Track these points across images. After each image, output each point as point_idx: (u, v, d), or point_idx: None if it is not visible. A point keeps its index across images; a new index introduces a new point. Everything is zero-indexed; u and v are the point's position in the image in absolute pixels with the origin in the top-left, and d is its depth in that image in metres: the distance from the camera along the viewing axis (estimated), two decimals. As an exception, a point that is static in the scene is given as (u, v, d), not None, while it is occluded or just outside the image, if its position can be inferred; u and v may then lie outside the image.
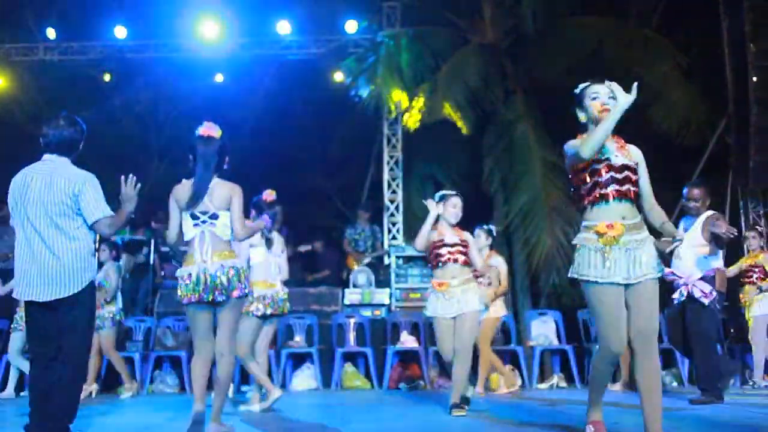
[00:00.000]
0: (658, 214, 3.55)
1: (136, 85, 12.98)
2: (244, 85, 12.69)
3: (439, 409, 5.41)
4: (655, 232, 3.54)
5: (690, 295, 5.59)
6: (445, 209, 5.35)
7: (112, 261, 7.42)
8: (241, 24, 11.25)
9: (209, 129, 4.24)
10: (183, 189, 4.20)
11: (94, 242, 7.55)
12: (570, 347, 8.12)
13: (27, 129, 12.89)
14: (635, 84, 3.35)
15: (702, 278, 5.62)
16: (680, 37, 10.64)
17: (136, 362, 7.94)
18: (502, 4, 10.81)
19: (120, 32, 11.27)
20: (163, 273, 10.45)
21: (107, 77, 12.34)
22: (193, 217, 4.11)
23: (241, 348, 5.22)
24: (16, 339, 7.05)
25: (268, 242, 5.60)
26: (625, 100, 3.33)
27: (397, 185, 11.03)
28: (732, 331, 8.34)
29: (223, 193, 4.14)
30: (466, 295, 5.19)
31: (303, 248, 10.57)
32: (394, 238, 10.79)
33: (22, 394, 7.32)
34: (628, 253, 3.33)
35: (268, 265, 5.55)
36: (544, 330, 8.37)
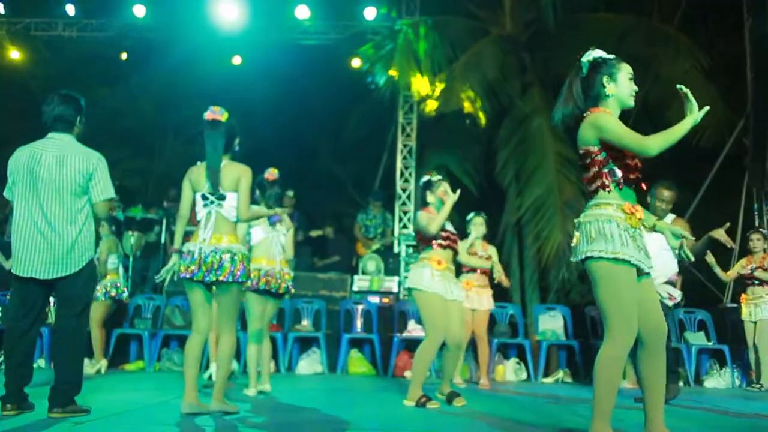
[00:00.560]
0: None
1: (154, 64, 13.00)
2: (261, 68, 12.68)
3: (443, 398, 5.41)
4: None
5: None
6: (436, 196, 5.24)
7: (111, 235, 7.47)
8: (260, 7, 11.23)
9: (214, 113, 4.31)
10: (198, 171, 4.29)
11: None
12: (577, 343, 8.12)
13: (41, 103, 12.99)
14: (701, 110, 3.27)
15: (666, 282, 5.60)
16: (702, 36, 10.55)
17: (144, 340, 8.00)
18: (523, -4, 10.74)
19: (139, 11, 11.29)
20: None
21: (124, 55, 12.37)
22: (204, 198, 4.21)
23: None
24: None
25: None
26: (696, 116, 3.29)
27: (410, 174, 11.01)
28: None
29: (232, 174, 4.22)
30: (456, 287, 5.19)
31: (314, 233, 10.60)
32: (404, 226, 10.79)
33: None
34: (643, 242, 3.19)
35: (269, 244, 5.54)
36: (551, 325, 8.36)
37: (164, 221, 10.22)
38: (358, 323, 8.47)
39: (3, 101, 12.45)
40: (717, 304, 9.18)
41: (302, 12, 11.17)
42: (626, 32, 10.07)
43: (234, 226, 4.25)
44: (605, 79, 3.32)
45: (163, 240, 10.18)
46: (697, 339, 8.10)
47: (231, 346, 4.22)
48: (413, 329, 8.21)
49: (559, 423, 4.19)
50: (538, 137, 9.97)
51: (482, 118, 10.37)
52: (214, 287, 4.23)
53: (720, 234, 5.49)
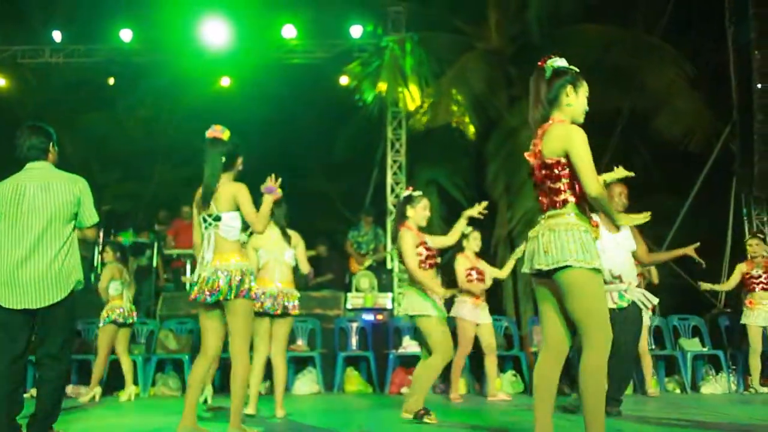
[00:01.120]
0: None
1: (141, 88, 13.02)
2: (249, 89, 12.71)
3: (440, 414, 5.39)
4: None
5: (632, 304, 5.35)
6: (417, 212, 5.27)
7: (116, 262, 7.42)
8: (246, 28, 11.28)
9: (215, 131, 4.24)
10: (198, 193, 4.23)
11: (96, 244, 7.55)
12: (573, 353, 8.09)
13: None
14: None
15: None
16: (686, 45, 10.67)
17: (138, 365, 7.93)
18: (508, 11, 10.85)
19: (126, 35, 11.31)
20: (165, 276, 10.45)
21: (111, 81, 12.38)
22: (203, 220, 4.15)
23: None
24: None
25: (286, 236, 5.57)
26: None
27: (401, 189, 11.02)
28: (735, 337, 8.33)
29: (226, 193, 4.12)
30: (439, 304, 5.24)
31: (308, 253, 10.55)
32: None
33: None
34: None
35: (272, 268, 5.52)
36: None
37: (155, 245, 10.17)
38: (353, 341, 8.44)
39: (-9, 130, 12.43)
40: (710, 309, 9.20)
41: (288, 32, 11.22)
42: (611, 43, 10.19)
43: (235, 244, 4.14)
44: (569, 87, 3.29)
45: (154, 264, 10.13)
46: (692, 345, 8.11)
47: (244, 369, 4.08)
48: (408, 345, 8.19)
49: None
50: (527, 150, 10.00)
51: (471, 131, 10.41)
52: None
53: (691, 251, 5.74)
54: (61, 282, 3.89)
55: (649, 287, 7.21)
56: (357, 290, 9.31)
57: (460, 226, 5.65)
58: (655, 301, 5.42)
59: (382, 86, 10.51)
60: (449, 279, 6.95)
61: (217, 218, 4.09)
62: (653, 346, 7.97)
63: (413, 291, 5.20)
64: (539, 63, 3.36)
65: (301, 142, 13.82)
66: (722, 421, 5.06)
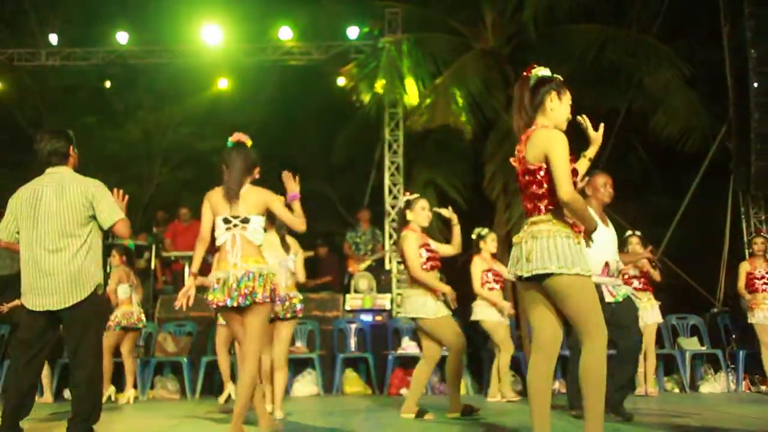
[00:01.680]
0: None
1: (139, 91, 13.02)
2: (246, 91, 12.72)
3: (439, 415, 5.40)
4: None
5: (627, 298, 5.27)
6: (416, 213, 5.36)
7: (123, 266, 7.44)
8: (243, 30, 11.29)
9: (240, 136, 4.35)
10: (217, 194, 4.23)
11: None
12: (571, 352, 8.09)
13: (28, 133, 12.97)
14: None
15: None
16: (682, 44, 10.70)
17: (137, 367, 7.92)
18: (504, 11, 10.86)
19: (122, 38, 11.31)
20: (164, 278, 10.45)
21: (108, 84, 12.38)
22: (226, 221, 4.15)
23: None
24: None
25: (284, 245, 5.61)
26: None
27: (398, 191, 11.02)
28: (734, 336, 8.35)
29: (256, 198, 4.19)
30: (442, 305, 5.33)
31: (306, 254, 10.54)
32: (395, 243, 10.78)
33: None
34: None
35: (279, 272, 5.53)
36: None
37: (153, 247, 10.16)
38: (352, 342, 8.44)
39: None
40: (709, 308, 9.22)
41: (285, 33, 11.24)
42: (607, 43, 10.20)
43: (259, 249, 4.19)
44: (553, 93, 3.35)
45: (152, 266, 10.12)
46: (691, 344, 8.13)
47: (256, 372, 4.07)
48: (407, 346, 8.19)
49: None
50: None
51: (466, 133, 10.42)
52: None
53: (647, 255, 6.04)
54: (81, 284, 3.93)
55: (653, 285, 7.25)
56: (356, 291, 9.31)
57: (455, 232, 5.63)
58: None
59: (380, 85, 10.51)
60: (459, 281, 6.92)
61: (246, 221, 4.13)
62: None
63: (415, 293, 5.25)
64: (524, 73, 3.43)
65: (299, 143, 13.83)
66: (722, 420, 5.07)
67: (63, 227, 3.93)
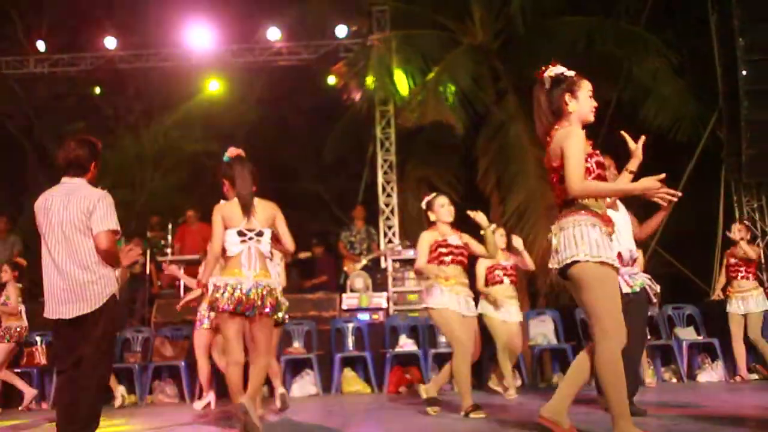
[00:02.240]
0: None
1: (128, 95, 12.98)
2: (236, 92, 12.69)
3: (439, 413, 5.40)
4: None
5: (642, 290, 5.22)
6: (436, 212, 5.45)
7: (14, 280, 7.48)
8: (231, 31, 11.26)
9: (238, 150, 4.46)
10: (229, 207, 4.33)
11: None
12: (569, 346, 8.12)
13: (17, 141, 12.91)
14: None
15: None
16: (669, 34, 10.71)
17: (134, 373, 7.91)
18: (491, 6, 10.86)
19: (110, 43, 11.27)
20: (159, 283, 10.42)
21: (97, 90, 12.33)
22: (240, 234, 4.26)
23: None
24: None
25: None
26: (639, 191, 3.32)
27: (392, 188, 11.03)
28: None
29: (267, 211, 4.39)
30: (468, 302, 5.32)
31: (302, 255, 10.55)
32: (390, 241, 10.79)
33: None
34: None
35: (279, 278, 5.61)
36: (542, 330, 8.36)
37: (148, 252, 10.14)
38: (350, 341, 8.43)
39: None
40: (704, 297, 9.25)
41: (273, 34, 11.21)
42: (595, 34, 10.22)
43: (267, 261, 4.36)
44: (567, 96, 3.39)
45: (147, 271, 10.10)
46: (687, 334, 8.15)
47: (263, 374, 4.31)
48: (405, 344, 8.19)
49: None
50: (517, 144, 10.05)
51: (459, 127, 10.42)
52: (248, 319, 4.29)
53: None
54: (91, 293, 3.93)
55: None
56: (352, 291, 9.30)
57: (487, 236, 5.50)
58: (657, 288, 5.38)
59: (370, 81, 10.51)
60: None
61: (260, 234, 4.30)
62: (648, 336, 7.99)
63: (426, 283, 5.36)
64: (538, 75, 3.47)
65: (291, 144, 13.81)
66: (720, 408, 5.09)
67: (70, 237, 3.94)
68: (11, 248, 9.74)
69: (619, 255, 5.01)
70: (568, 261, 3.20)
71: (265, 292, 4.23)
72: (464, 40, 10.94)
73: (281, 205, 5.59)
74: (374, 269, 10.01)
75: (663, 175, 3.28)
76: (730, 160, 9.64)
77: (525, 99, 10.31)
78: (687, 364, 7.99)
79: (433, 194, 5.62)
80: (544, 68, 3.47)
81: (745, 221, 8.74)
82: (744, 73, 9.03)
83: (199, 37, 11.09)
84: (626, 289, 5.07)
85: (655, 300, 5.34)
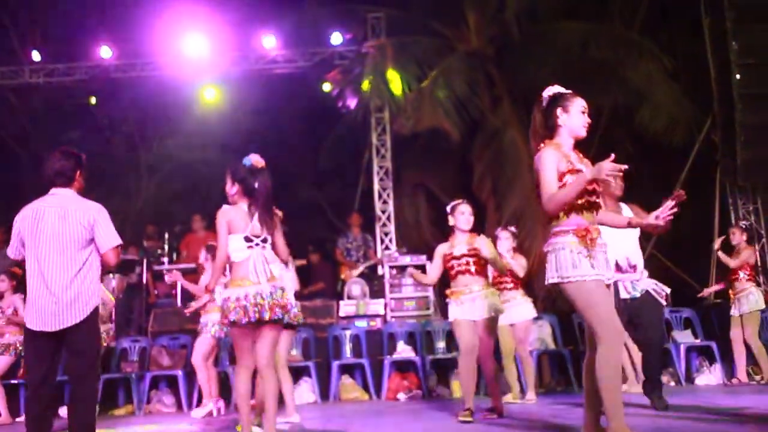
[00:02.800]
0: (613, 215, 3.70)
1: (124, 105, 12.97)
2: (232, 101, 12.69)
3: (438, 418, 5.40)
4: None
5: (646, 293, 5.32)
6: (456, 218, 5.55)
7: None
8: (226, 40, 11.27)
9: (261, 161, 4.44)
10: (235, 212, 4.28)
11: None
12: (567, 351, 8.12)
13: (13, 150, 12.89)
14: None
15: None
16: (663, 38, 10.75)
17: (132, 382, 7.89)
18: (486, 12, 10.90)
19: (105, 52, 11.28)
20: (156, 292, 10.39)
21: (93, 100, 12.33)
22: (247, 240, 4.23)
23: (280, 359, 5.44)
24: None
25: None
26: (591, 175, 3.37)
27: (388, 195, 11.03)
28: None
29: (275, 221, 4.37)
30: (483, 302, 5.39)
31: (299, 262, 10.52)
32: (387, 248, 10.79)
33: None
34: (602, 256, 3.46)
35: (284, 280, 5.60)
36: (540, 334, 8.36)
37: (145, 261, 10.11)
38: (347, 349, 8.41)
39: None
40: (701, 301, 9.25)
41: (269, 42, 11.23)
42: (589, 39, 10.25)
43: (273, 267, 4.35)
44: (559, 110, 3.55)
45: (144, 280, 10.07)
46: (685, 337, 8.15)
47: (275, 383, 4.29)
48: (402, 350, 8.19)
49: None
50: (512, 149, 10.06)
51: (453, 135, 10.44)
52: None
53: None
54: (79, 306, 3.97)
55: None
56: (349, 298, 9.30)
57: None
58: (668, 290, 5.38)
59: (365, 87, 10.53)
60: None
61: (265, 240, 4.28)
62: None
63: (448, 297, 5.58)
64: (538, 97, 3.65)
65: (287, 151, 13.79)
66: (720, 411, 5.09)
67: (64, 249, 3.97)
68: (9, 258, 9.69)
69: (617, 263, 5.06)
70: (553, 281, 3.44)
71: (275, 299, 4.18)
72: (459, 46, 10.97)
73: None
74: (371, 276, 10.01)
75: (612, 156, 3.35)
76: (725, 164, 9.66)
77: (520, 105, 10.36)
78: (685, 367, 8.00)
79: (459, 200, 5.69)
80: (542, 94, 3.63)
81: (741, 223, 8.75)
82: (738, 76, 9.06)
83: (194, 46, 11.10)
84: (624, 295, 5.10)
85: (665, 302, 5.38)
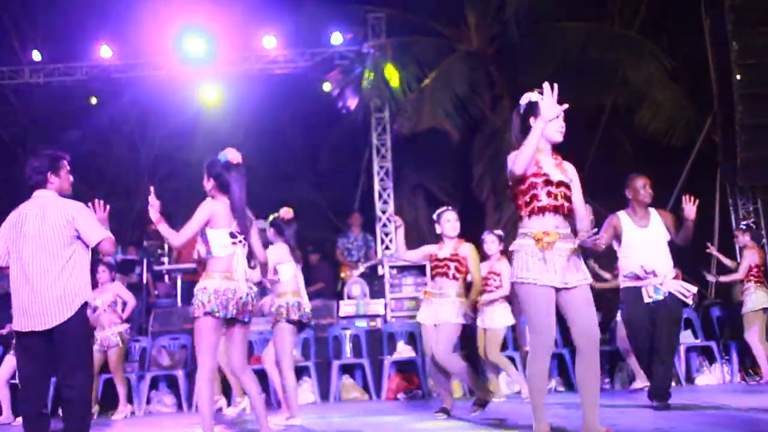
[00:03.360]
0: (587, 223, 3.73)
1: (123, 105, 12.96)
2: (232, 101, 12.69)
3: (438, 418, 5.39)
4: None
5: (669, 295, 5.30)
6: (442, 226, 5.62)
7: (110, 282, 7.40)
8: (226, 40, 11.26)
9: (238, 157, 4.42)
10: (222, 206, 4.27)
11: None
12: (566, 351, 8.12)
13: (13, 151, 12.88)
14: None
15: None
16: (664, 38, 10.75)
17: (132, 382, 7.88)
18: (486, 12, 10.90)
19: (105, 52, 11.27)
20: (156, 292, 10.39)
21: (93, 100, 12.32)
22: (232, 236, 4.23)
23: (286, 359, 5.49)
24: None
25: (294, 254, 5.66)
26: (542, 121, 3.53)
27: (388, 195, 11.03)
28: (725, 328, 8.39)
29: (251, 218, 4.37)
30: (444, 308, 5.47)
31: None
32: (387, 248, 10.78)
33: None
34: (562, 260, 3.52)
35: (296, 279, 5.66)
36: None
37: (145, 261, 10.11)
38: (348, 348, 8.42)
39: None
40: (702, 301, 9.25)
41: (269, 42, 11.23)
42: (589, 39, 10.26)
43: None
44: (532, 119, 3.66)
45: (144, 280, 10.06)
46: (685, 337, 8.14)
47: (254, 378, 4.38)
48: (402, 350, 8.18)
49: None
50: (512, 150, 10.04)
51: (455, 134, 10.45)
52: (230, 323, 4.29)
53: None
54: (64, 304, 3.96)
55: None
56: (349, 298, 9.30)
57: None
58: (694, 289, 5.38)
59: (366, 82, 10.53)
60: None
61: (244, 240, 4.28)
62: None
63: None
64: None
65: (288, 151, 13.80)
66: (722, 411, 5.09)
67: (46, 249, 3.98)
68: None
69: (642, 269, 5.15)
70: (513, 281, 3.65)
71: (252, 295, 4.25)
72: (460, 46, 10.98)
73: (277, 211, 5.62)
74: (371, 276, 10.00)
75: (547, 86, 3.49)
76: (726, 164, 9.65)
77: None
78: (685, 367, 7.99)
79: (443, 208, 5.75)
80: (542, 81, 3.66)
81: (741, 224, 8.74)
82: (738, 77, 9.05)
83: (194, 46, 11.10)
84: (646, 299, 5.18)
85: (691, 302, 5.42)
